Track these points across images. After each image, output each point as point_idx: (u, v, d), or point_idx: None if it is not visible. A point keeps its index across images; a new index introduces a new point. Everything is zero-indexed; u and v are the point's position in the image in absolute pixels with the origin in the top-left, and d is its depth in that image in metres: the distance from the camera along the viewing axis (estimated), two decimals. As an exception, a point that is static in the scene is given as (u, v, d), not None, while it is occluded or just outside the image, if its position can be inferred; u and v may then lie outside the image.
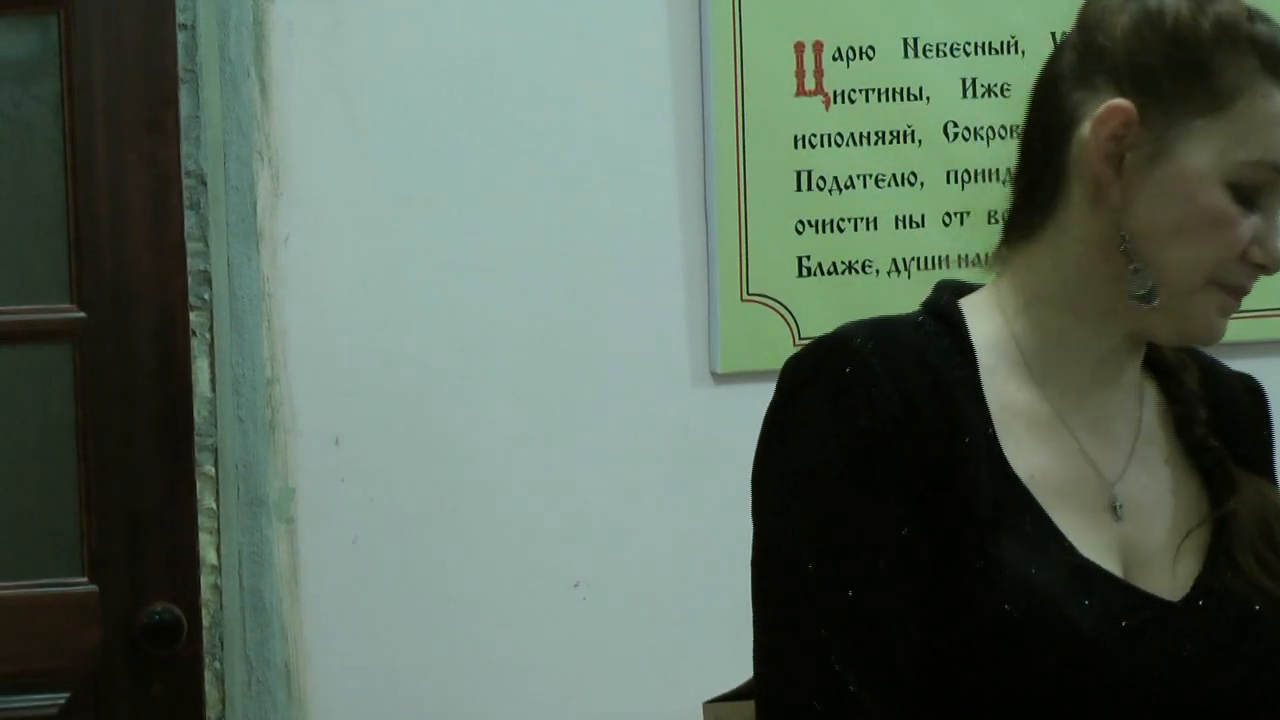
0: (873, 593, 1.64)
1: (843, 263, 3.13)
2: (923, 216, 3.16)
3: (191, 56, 2.92)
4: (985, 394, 1.71)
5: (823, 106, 3.12)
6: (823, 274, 3.13)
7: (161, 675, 2.93)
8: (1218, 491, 1.78)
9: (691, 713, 2.08)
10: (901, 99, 3.14)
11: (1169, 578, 1.73)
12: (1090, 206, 1.71)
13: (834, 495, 1.66)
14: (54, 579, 2.92)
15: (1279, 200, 1.70)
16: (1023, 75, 3.12)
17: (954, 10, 3.15)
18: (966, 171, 3.17)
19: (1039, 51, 3.12)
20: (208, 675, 2.95)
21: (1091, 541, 1.70)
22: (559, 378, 3.07)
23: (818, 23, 3.11)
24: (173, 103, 2.91)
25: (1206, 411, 1.81)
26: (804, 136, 3.11)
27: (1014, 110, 3.11)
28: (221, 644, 2.96)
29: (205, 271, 2.94)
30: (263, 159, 2.97)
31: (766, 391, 1.74)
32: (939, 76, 3.15)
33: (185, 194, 2.92)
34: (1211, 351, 1.84)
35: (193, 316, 2.93)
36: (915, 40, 3.14)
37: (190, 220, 2.93)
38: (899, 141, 3.14)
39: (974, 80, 3.16)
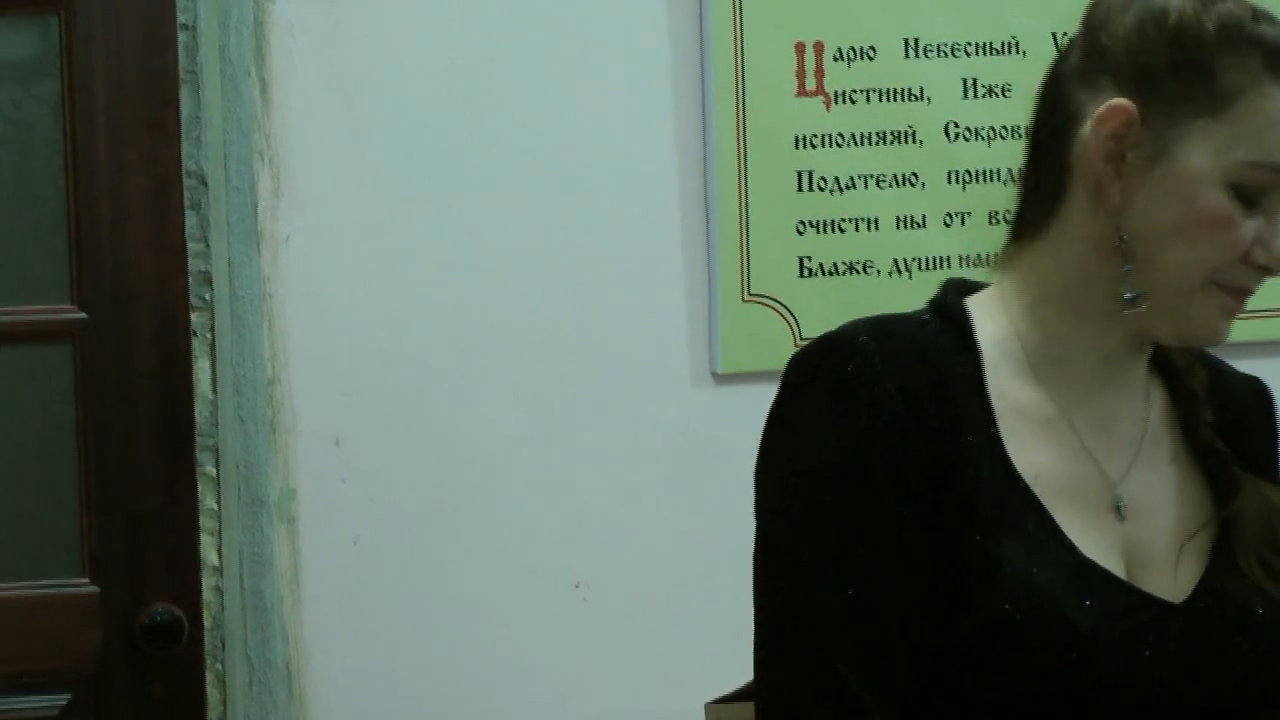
0: (873, 592, 1.64)
1: (844, 263, 3.13)
2: (924, 217, 3.16)
3: (192, 57, 2.92)
4: (989, 392, 1.71)
5: (824, 107, 3.12)
6: (824, 274, 3.13)
7: (162, 676, 2.93)
8: (1222, 494, 1.78)
9: (691, 713, 2.08)
10: (902, 99, 3.14)
11: (1171, 579, 1.72)
12: (1091, 206, 1.71)
13: (834, 494, 1.66)
14: (55, 579, 2.92)
15: (1282, 201, 1.70)
16: (1024, 76, 3.16)
17: (955, 11, 3.15)
18: (967, 172, 3.16)
19: (1040, 52, 3.14)
20: (209, 676, 2.95)
21: (1094, 541, 1.70)
22: (559, 378, 3.07)
23: (818, 23, 3.11)
24: (173, 103, 2.91)
25: (1213, 414, 1.81)
26: (805, 137, 3.11)
27: (1015, 111, 3.16)
28: (222, 644, 2.96)
29: (206, 272, 2.94)
30: (263, 159, 2.97)
31: (767, 392, 1.74)
32: (940, 77, 3.15)
33: (186, 194, 2.92)
34: (1214, 352, 1.83)
35: (193, 317, 2.93)
36: (916, 41, 3.14)
37: (191, 220, 2.93)
38: (900, 142, 3.14)
39: (975, 81, 3.16)
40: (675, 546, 3.10)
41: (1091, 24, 1.74)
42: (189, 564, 2.93)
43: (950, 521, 1.65)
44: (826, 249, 3.12)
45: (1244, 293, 1.70)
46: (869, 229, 3.14)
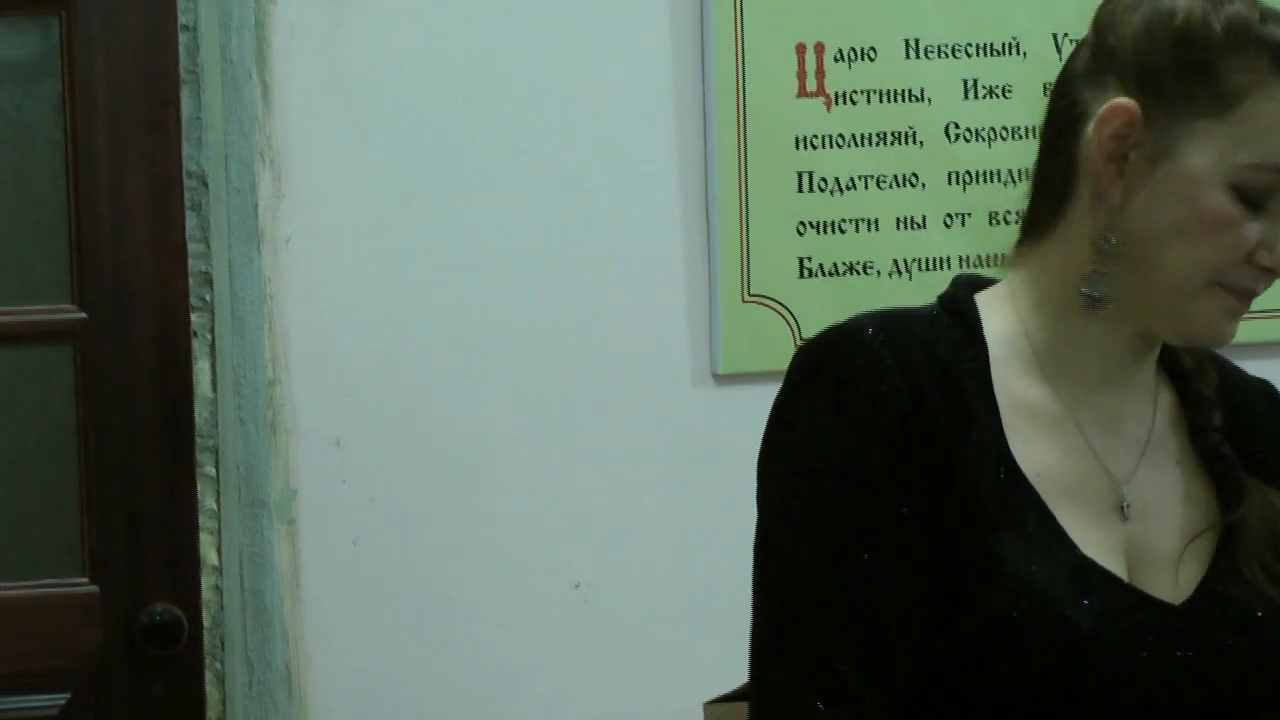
0: (873, 592, 1.63)
1: (844, 264, 3.13)
2: (924, 218, 3.16)
3: (193, 57, 2.92)
4: (995, 389, 1.71)
5: (824, 107, 3.12)
6: (824, 275, 3.13)
7: (162, 676, 2.93)
8: (1228, 498, 1.78)
9: (691, 713, 2.08)
10: (903, 100, 3.14)
11: (1172, 580, 1.72)
12: (1094, 205, 1.71)
13: (835, 494, 1.65)
14: (54, 579, 2.92)
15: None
16: (1024, 77, 3.17)
17: (955, 11, 3.15)
18: (968, 173, 3.17)
19: (1040, 53, 3.14)
20: (208, 676, 2.95)
21: (1096, 541, 1.70)
22: (559, 378, 3.07)
23: (819, 24, 3.11)
24: (174, 104, 2.91)
25: (1223, 416, 1.80)
26: (805, 137, 3.11)
27: (1015, 111, 3.16)
28: (222, 645, 2.96)
29: (206, 272, 2.94)
30: (264, 160, 2.97)
31: (768, 392, 1.74)
32: (940, 78, 3.15)
33: (186, 195, 2.92)
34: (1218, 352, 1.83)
35: (194, 317, 2.93)
36: (917, 41, 3.14)
37: (191, 221, 2.93)
38: (900, 143, 3.14)
39: (975, 81, 3.16)
40: (675, 546, 3.10)
41: (1100, 24, 1.74)
42: (189, 564, 2.93)
43: (951, 520, 1.65)
44: (827, 249, 3.13)
45: (1248, 294, 1.70)
46: (869, 230, 3.14)
